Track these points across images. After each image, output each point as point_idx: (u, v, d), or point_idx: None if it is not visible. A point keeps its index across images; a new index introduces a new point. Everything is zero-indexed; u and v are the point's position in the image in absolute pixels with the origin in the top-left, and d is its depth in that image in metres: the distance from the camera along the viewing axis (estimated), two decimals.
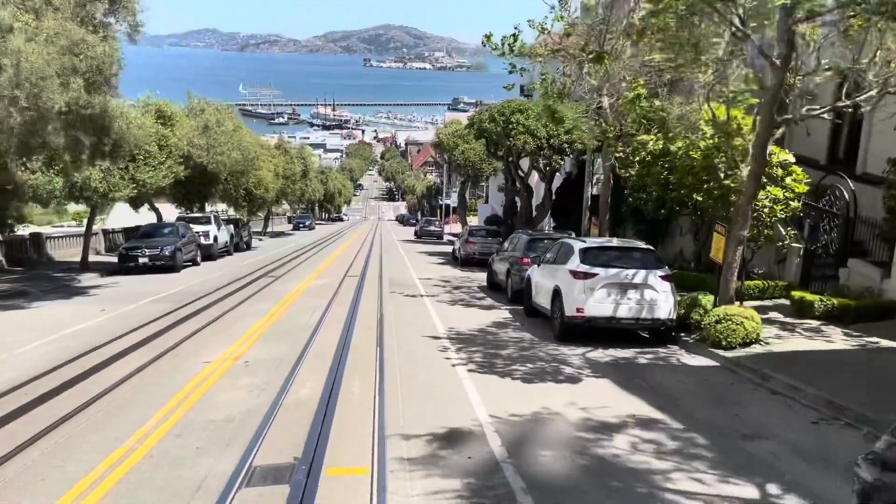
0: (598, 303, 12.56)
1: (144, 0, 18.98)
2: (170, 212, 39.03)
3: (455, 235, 48.14)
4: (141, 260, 25.09)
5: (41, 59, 14.68)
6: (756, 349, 11.69)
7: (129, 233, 32.81)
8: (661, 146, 16.33)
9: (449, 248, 38.93)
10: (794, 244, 16.44)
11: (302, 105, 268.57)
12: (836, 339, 12.33)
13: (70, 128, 16.86)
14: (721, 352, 11.65)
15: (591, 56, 14.31)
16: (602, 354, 11.98)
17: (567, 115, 17.80)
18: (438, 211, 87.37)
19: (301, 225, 72.55)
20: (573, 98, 19.40)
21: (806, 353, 11.44)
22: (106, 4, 18.07)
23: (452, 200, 79.80)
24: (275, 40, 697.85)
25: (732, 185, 15.11)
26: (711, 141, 15.27)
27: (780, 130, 11.99)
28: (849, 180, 15.89)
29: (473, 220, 61.25)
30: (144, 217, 35.17)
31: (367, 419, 7.96)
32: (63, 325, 14.22)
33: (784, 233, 15.93)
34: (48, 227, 42.73)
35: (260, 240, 49.38)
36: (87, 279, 23.11)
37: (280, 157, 55.79)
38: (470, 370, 10.54)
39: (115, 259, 26.70)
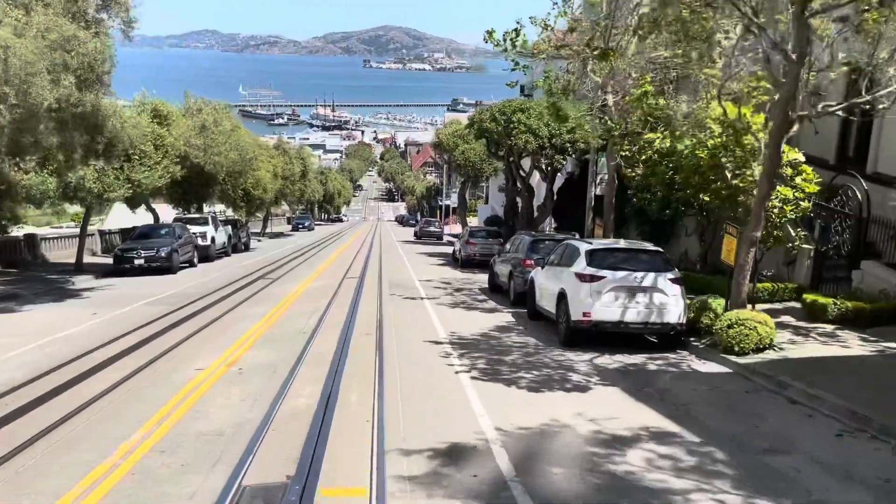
0: (605, 307, 12.11)
1: None
2: (167, 213, 38.61)
3: (455, 236, 47.70)
4: (136, 261, 24.66)
5: (31, 53, 14.23)
6: (770, 355, 11.25)
7: (126, 234, 32.37)
8: (667, 144, 15.89)
9: (449, 249, 38.50)
10: (804, 245, 16.00)
11: (301, 106, 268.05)
12: (853, 345, 11.89)
13: (62, 126, 16.44)
14: (734, 358, 11.20)
15: (595, 52, 13.91)
16: (610, 360, 11.54)
17: (571, 113, 17.36)
18: (438, 212, 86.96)
19: (300, 226, 72.14)
20: (577, 96, 18.95)
21: (822, 360, 11.00)
22: (98, 0, 17.65)
23: (452, 201, 79.41)
24: (274, 41, 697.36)
25: (741, 184, 14.70)
26: (719, 139, 14.84)
27: (795, 128, 11.54)
28: (862, 180, 15.44)
29: (473, 221, 60.78)
30: (141, 218, 34.72)
31: (365, 432, 7.53)
32: (53, 329, 13.79)
33: (794, 234, 15.50)
34: (47, 228, 42.28)
35: (259, 241, 48.93)
36: (82, 281, 22.67)
37: (279, 158, 55.34)
38: (473, 378, 10.10)
39: (111, 260, 26.27)
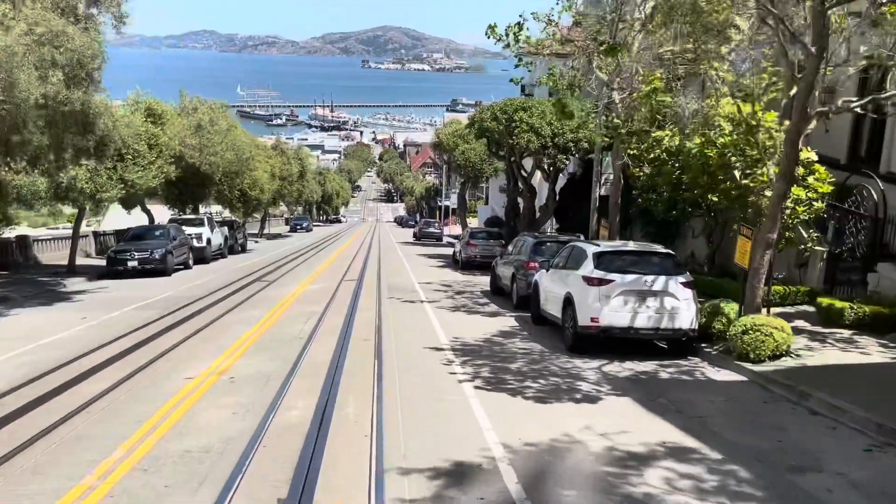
0: (614, 311, 11.60)
1: None
2: (163, 214, 38.11)
3: (455, 237, 47.20)
4: (130, 264, 24.14)
5: (17, 44, 13.71)
6: (787, 362, 10.75)
7: (121, 235, 31.86)
8: (676, 142, 15.39)
9: (449, 251, 38.00)
10: (816, 247, 15.51)
11: (300, 106, 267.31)
12: (873, 352, 11.40)
13: (51, 124, 15.94)
14: (749, 365, 10.70)
15: (602, 47, 13.41)
16: (619, 368, 11.03)
17: (576, 111, 16.87)
18: (437, 212, 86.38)
19: (298, 227, 71.62)
20: (582, 94, 18.46)
21: (842, 368, 10.51)
22: None
23: (452, 202, 78.89)
24: (273, 42, 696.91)
25: (752, 184, 14.22)
26: (729, 138, 14.35)
27: (812, 125, 11.06)
28: (878, 180, 14.94)
29: (473, 222, 60.27)
30: (137, 219, 34.26)
31: (363, 449, 7.02)
32: (38, 334, 13.27)
33: (806, 235, 15.02)
34: (43, 230, 41.76)
35: (256, 242, 48.40)
36: (74, 284, 22.15)
37: (276, 158, 54.86)
38: (477, 387, 9.59)
39: (105, 262, 25.74)
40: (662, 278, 11.79)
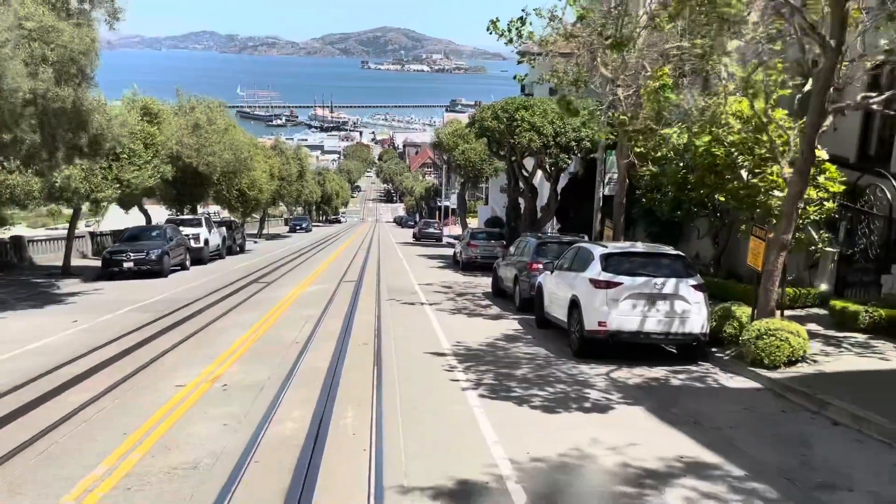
0: (622, 315, 11.17)
1: None
2: (161, 214, 37.67)
3: (455, 238, 46.76)
4: (126, 265, 23.71)
5: (5, 30, 13.28)
6: (803, 368, 10.31)
7: (118, 236, 31.43)
8: (685, 140, 14.97)
9: (449, 251, 37.58)
10: (827, 248, 15.09)
11: (300, 107, 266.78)
12: (892, 357, 10.96)
13: (42, 122, 15.52)
14: (764, 371, 10.27)
15: (608, 41, 12.97)
16: (628, 374, 10.60)
17: (581, 108, 16.44)
18: (437, 213, 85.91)
19: (298, 227, 71.20)
20: (586, 92, 18.00)
21: (861, 374, 10.08)
22: None
23: (451, 202, 78.45)
24: (273, 42, 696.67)
25: (761, 184, 13.81)
26: (738, 136, 13.92)
27: (829, 121, 10.63)
28: (893, 179, 14.51)
29: (473, 222, 59.83)
30: (135, 219, 33.85)
31: (361, 465, 6.58)
32: (26, 338, 12.84)
33: (817, 236, 14.60)
34: (42, 230, 41.36)
35: (255, 242, 47.97)
36: (68, 285, 21.71)
37: (275, 158, 54.44)
38: (481, 396, 9.15)
39: (100, 264, 25.31)
40: (672, 281, 11.36)
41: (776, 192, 13.40)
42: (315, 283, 22.48)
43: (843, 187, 13.94)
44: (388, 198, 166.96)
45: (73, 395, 8.87)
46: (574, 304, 12.01)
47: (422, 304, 17.99)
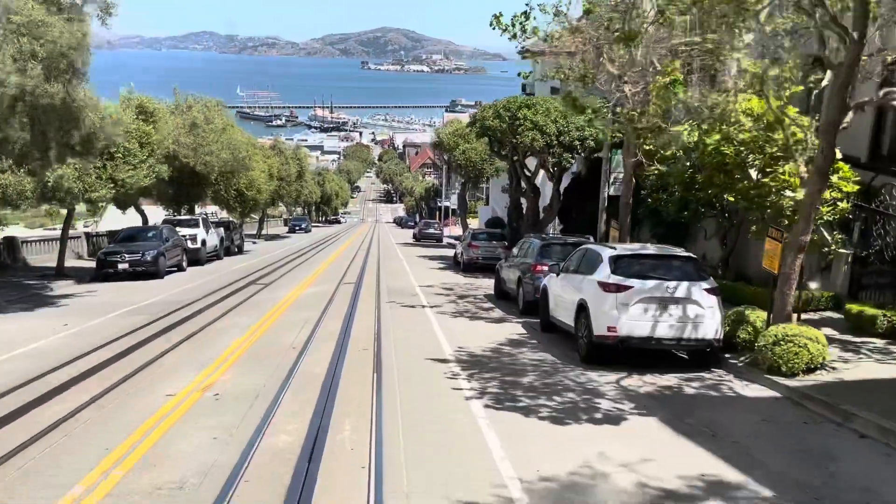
0: (633, 320, 10.71)
1: None
2: (158, 214, 37.23)
3: (455, 238, 46.32)
4: (120, 266, 23.27)
5: None
6: (823, 376, 9.87)
7: (113, 236, 30.99)
8: (695, 138, 14.53)
9: (449, 252, 37.15)
10: (840, 250, 14.65)
11: (300, 107, 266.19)
12: None
13: (32, 120, 15.09)
14: (781, 379, 9.81)
15: (617, 35, 12.53)
16: (639, 382, 10.14)
17: (587, 105, 16.01)
18: (437, 213, 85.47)
19: (297, 227, 70.72)
20: (591, 90, 17.56)
21: (884, 383, 9.63)
22: None
23: (451, 202, 78.02)
24: (273, 43, 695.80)
25: (772, 183, 13.37)
26: (749, 134, 13.48)
27: (849, 117, 10.19)
28: None
29: (473, 223, 59.34)
30: (132, 220, 33.38)
31: (360, 484, 6.13)
32: (14, 343, 12.41)
33: (830, 237, 14.16)
34: (39, 230, 40.92)
35: (254, 243, 47.51)
36: (61, 287, 21.27)
37: (274, 158, 53.97)
38: (486, 406, 8.70)
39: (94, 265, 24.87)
40: (685, 284, 10.91)
41: (787, 192, 12.97)
42: (314, 285, 22.04)
43: (857, 187, 13.53)
44: (387, 198, 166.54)
45: (56, 406, 8.41)
46: (582, 308, 11.56)
47: (423, 306, 17.54)
